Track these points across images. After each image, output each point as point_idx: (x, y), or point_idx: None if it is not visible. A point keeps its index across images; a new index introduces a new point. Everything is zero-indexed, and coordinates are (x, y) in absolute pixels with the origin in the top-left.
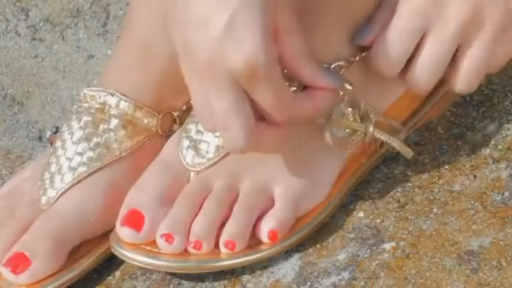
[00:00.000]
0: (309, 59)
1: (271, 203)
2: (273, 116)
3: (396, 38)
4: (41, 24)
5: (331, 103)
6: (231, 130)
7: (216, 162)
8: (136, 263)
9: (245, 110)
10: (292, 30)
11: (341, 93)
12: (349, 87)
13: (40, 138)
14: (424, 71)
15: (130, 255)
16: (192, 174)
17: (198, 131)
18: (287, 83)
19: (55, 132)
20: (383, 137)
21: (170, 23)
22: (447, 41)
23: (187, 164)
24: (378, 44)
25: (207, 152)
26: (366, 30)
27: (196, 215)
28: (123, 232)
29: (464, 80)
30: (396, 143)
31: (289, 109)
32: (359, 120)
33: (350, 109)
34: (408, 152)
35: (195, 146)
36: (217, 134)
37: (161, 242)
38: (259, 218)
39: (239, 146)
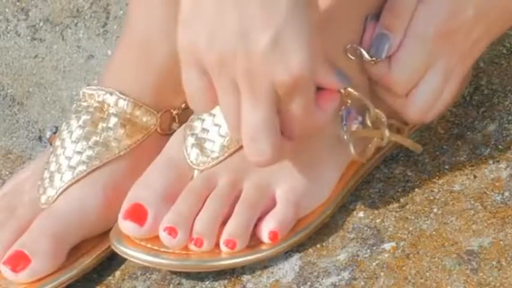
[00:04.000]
0: (323, 60)
1: (273, 204)
2: (295, 129)
3: (416, 58)
4: (41, 24)
5: (336, 110)
6: (260, 142)
7: (220, 162)
8: (136, 261)
9: (276, 124)
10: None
11: (349, 101)
12: (357, 94)
13: (40, 138)
14: (424, 97)
15: (130, 252)
16: (196, 172)
17: (203, 129)
18: None
19: (55, 132)
20: (398, 139)
21: (195, 38)
22: (458, 73)
23: (191, 162)
24: (398, 60)
25: (212, 151)
26: (383, 43)
27: (199, 211)
28: (125, 226)
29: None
30: (409, 143)
31: (311, 121)
32: (369, 124)
33: (360, 118)
34: (418, 148)
35: (199, 144)
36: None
37: (164, 236)
38: (260, 218)
39: (265, 159)
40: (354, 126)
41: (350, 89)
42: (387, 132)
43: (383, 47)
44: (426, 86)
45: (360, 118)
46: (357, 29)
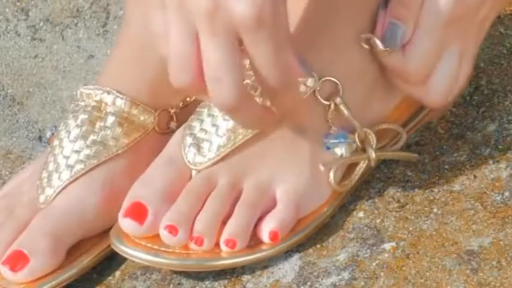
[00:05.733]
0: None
1: (273, 204)
2: (267, 80)
3: (429, 47)
4: (41, 24)
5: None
6: (223, 82)
7: (216, 162)
8: (136, 260)
9: (239, 64)
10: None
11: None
12: (346, 113)
13: (40, 138)
14: (443, 82)
15: (130, 252)
16: (193, 172)
17: (201, 129)
18: None
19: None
20: (388, 156)
21: None
22: (470, 54)
23: (188, 162)
24: (412, 50)
25: (209, 151)
26: (395, 32)
27: (200, 210)
28: (125, 224)
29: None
30: (401, 156)
31: (287, 72)
32: (359, 144)
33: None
34: (413, 157)
35: (197, 144)
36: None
37: (164, 234)
38: (260, 218)
39: (229, 100)
40: (342, 148)
41: (341, 107)
42: (373, 154)
43: (396, 36)
44: (444, 72)
45: (348, 139)
46: (366, 17)
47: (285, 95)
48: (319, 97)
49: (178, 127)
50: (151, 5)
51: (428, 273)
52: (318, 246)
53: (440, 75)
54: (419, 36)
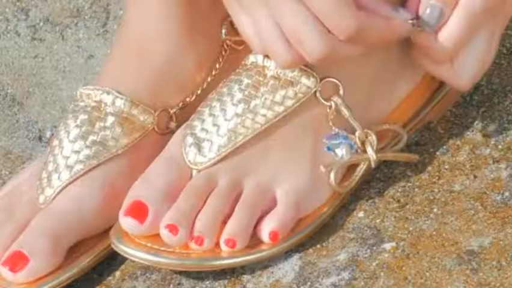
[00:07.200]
0: None
1: (274, 204)
2: (335, 27)
3: (464, 32)
4: (41, 24)
5: (407, 32)
6: (308, 40)
7: (216, 162)
8: (136, 260)
9: (315, 18)
10: None
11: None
12: (346, 113)
13: (40, 138)
14: (472, 65)
15: (130, 251)
16: (194, 172)
17: (202, 129)
18: None
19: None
20: (389, 157)
21: None
22: (498, 35)
23: (188, 161)
24: (446, 32)
25: (209, 151)
26: (436, 14)
27: (200, 210)
28: (126, 222)
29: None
30: (402, 157)
31: (352, 17)
32: (359, 145)
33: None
34: (413, 159)
35: (197, 144)
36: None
37: (165, 233)
38: (260, 218)
39: (320, 51)
40: (342, 149)
41: (342, 108)
42: (374, 156)
43: (434, 17)
44: (473, 55)
45: (349, 140)
46: None
47: (366, 35)
48: (320, 97)
49: (177, 127)
50: (235, 12)
51: (428, 273)
52: (318, 246)
53: (469, 58)
54: (456, 20)
